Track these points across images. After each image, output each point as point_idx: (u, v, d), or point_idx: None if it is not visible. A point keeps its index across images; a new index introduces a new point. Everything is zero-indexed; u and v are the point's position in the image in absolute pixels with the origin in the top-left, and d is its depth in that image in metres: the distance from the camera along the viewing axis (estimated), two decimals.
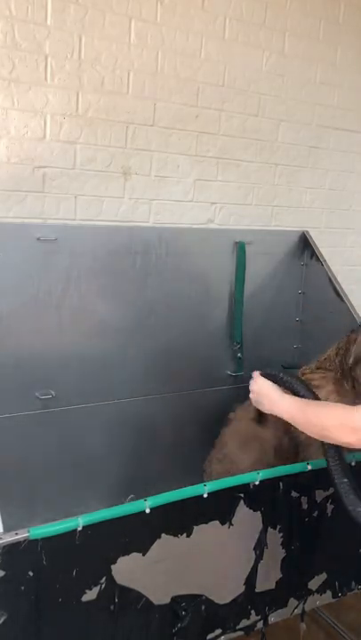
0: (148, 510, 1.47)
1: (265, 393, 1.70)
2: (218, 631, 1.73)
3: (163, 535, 1.54)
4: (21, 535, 1.32)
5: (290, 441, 2.11)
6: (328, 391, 2.07)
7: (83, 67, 2.46)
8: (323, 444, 1.57)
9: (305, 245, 2.89)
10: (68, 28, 2.39)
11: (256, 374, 1.77)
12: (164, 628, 1.61)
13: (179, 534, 1.57)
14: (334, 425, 1.44)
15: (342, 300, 2.62)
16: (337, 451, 1.58)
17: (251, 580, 1.75)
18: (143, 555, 1.52)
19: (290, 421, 1.60)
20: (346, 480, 1.56)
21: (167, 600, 1.60)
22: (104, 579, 1.47)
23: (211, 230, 2.89)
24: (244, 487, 1.66)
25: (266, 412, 1.72)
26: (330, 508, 1.85)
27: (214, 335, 2.75)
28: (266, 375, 1.74)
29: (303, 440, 2.04)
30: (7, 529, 1.34)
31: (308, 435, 1.55)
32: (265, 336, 2.86)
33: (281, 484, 1.73)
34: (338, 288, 2.66)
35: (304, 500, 1.79)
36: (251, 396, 1.77)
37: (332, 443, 1.51)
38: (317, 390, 1.90)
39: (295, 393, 1.66)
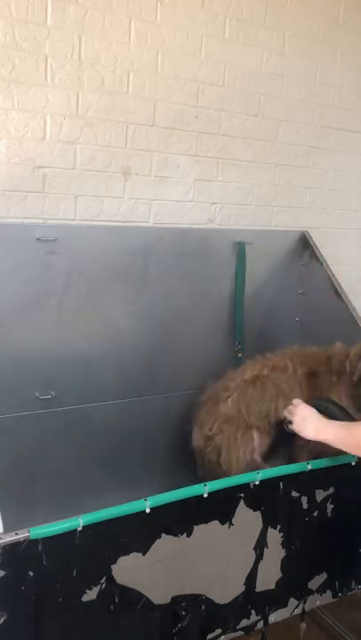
0: (148, 510, 1.47)
1: (309, 420, 1.78)
2: (218, 631, 1.74)
3: (163, 535, 1.54)
4: (21, 535, 1.32)
5: None
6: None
7: (83, 67, 2.46)
8: None
9: (305, 245, 2.89)
10: (68, 28, 2.39)
11: (297, 401, 1.86)
12: (164, 628, 1.62)
13: (179, 534, 1.57)
14: None
15: (342, 300, 2.62)
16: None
17: (251, 579, 1.75)
18: (143, 555, 1.52)
19: (336, 444, 1.71)
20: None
21: (167, 600, 1.60)
22: (104, 579, 1.47)
23: (211, 230, 2.89)
24: (244, 487, 1.66)
25: (309, 437, 1.78)
26: (330, 507, 1.85)
27: (215, 335, 2.75)
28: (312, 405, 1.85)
29: None
30: (7, 529, 1.34)
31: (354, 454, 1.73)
32: (265, 336, 2.86)
33: (281, 483, 1.73)
34: (338, 288, 2.66)
35: (304, 499, 1.79)
36: (295, 421, 1.82)
37: None
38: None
39: (335, 418, 1.80)
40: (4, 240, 2.23)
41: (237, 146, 2.92)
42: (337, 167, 3.29)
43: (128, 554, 1.49)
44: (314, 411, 1.80)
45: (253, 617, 1.80)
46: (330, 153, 3.24)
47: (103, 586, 1.47)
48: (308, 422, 1.77)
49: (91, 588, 1.46)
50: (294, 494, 1.77)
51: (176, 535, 1.57)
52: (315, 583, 1.91)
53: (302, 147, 3.14)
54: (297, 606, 1.89)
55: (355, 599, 2.14)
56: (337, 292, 2.65)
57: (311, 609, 1.96)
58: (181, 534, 1.58)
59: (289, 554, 1.80)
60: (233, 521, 1.66)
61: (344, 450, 1.70)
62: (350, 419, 1.81)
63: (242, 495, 1.66)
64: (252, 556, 1.74)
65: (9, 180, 2.39)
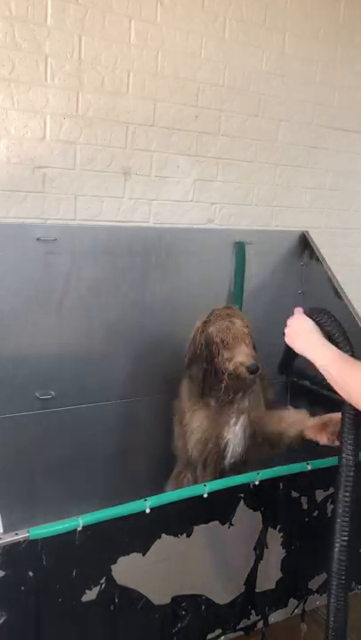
0: (148, 510, 1.47)
1: (304, 333, 1.61)
2: (218, 631, 1.74)
3: (163, 535, 1.54)
4: (21, 535, 1.32)
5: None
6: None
7: (83, 67, 2.46)
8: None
9: (305, 245, 2.89)
10: (68, 28, 2.39)
11: (298, 310, 1.69)
12: (164, 628, 1.62)
13: (179, 534, 1.57)
14: (358, 392, 1.41)
15: (342, 299, 2.61)
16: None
17: (251, 580, 1.75)
18: (143, 555, 1.52)
19: (320, 370, 1.51)
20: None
21: (167, 600, 1.60)
22: (104, 579, 1.47)
23: (211, 230, 2.89)
24: (244, 487, 1.66)
25: (298, 352, 1.64)
26: (330, 508, 1.85)
27: None
28: (309, 315, 1.65)
29: None
30: (7, 529, 1.34)
31: (335, 389, 1.49)
32: (265, 336, 2.85)
33: (281, 484, 1.73)
34: (338, 288, 2.66)
35: (304, 500, 1.79)
36: (286, 331, 1.67)
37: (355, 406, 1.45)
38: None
39: (334, 342, 1.56)
40: (4, 240, 2.23)
41: (237, 146, 2.92)
42: (337, 167, 3.29)
43: (128, 554, 1.49)
44: (312, 324, 1.61)
45: (253, 617, 1.80)
46: (330, 153, 3.24)
47: (103, 586, 1.47)
48: (301, 335, 1.61)
49: (90, 589, 1.46)
50: (294, 494, 1.77)
51: (176, 535, 1.57)
52: (315, 583, 1.91)
53: (302, 147, 3.14)
54: (297, 606, 1.89)
55: (355, 599, 2.14)
56: (337, 292, 2.65)
57: (311, 609, 1.96)
58: (181, 534, 1.58)
59: (289, 554, 1.80)
60: (233, 521, 1.66)
61: (326, 378, 1.50)
62: (350, 351, 1.56)
63: (242, 495, 1.66)
64: (252, 556, 1.74)
65: (9, 179, 2.39)
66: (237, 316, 2.18)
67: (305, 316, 1.65)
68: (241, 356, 2.06)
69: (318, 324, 1.62)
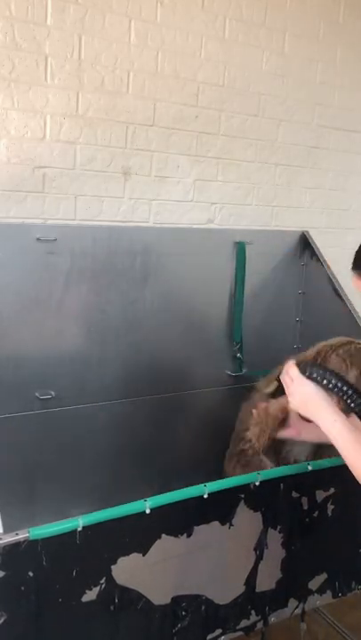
0: (148, 510, 1.47)
1: (314, 403, 1.45)
2: (218, 631, 1.73)
3: (163, 535, 1.54)
4: (21, 535, 1.32)
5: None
6: None
7: (83, 67, 2.46)
8: None
9: (305, 245, 2.89)
10: (68, 28, 2.39)
11: (295, 374, 1.51)
12: (164, 628, 1.61)
13: (179, 534, 1.57)
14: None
15: (342, 299, 2.62)
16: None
17: (251, 580, 1.75)
18: (143, 555, 1.52)
19: (335, 447, 1.39)
20: None
21: (167, 600, 1.60)
22: (104, 579, 1.47)
23: (211, 230, 2.89)
24: (244, 488, 1.66)
25: (313, 421, 1.48)
26: (330, 508, 1.85)
27: (214, 335, 2.75)
28: (312, 377, 1.49)
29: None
30: (7, 529, 1.34)
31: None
32: (265, 336, 2.86)
33: (282, 484, 1.73)
34: (338, 288, 2.66)
35: (305, 500, 1.79)
36: (291, 399, 1.53)
37: None
38: None
39: (349, 407, 1.44)
40: (4, 240, 2.23)
41: (237, 146, 2.92)
42: (337, 167, 3.29)
43: (128, 554, 1.49)
44: (320, 392, 1.45)
45: (253, 617, 1.79)
46: (330, 153, 3.24)
47: (103, 586, 1.47)
48: (311, 405, 1.45)
49: (91, 589, 1.45)
50: (295, 495, 1.77)
51: (176, 536, 1.57)
52: (315, 583, 1.91)
53: (302, 147, 3.14)
54: (297, 606, 1.89)
55: (355, 599, 2.14)
56: (337, 292, 2.65)
57: (311, 609, 1.96)
58: (181, 535, 1.58)
59: (289, 554, 1.80)
60: (233, 521, 1.66)
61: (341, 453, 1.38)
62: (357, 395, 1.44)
63: (242, 496, 1.66)
64: (253, 556, 1.74)
65: (9, 179, 2.39)
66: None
67: (309, 382, 1.49)
68: None
69: (319, 382, 1.49)
